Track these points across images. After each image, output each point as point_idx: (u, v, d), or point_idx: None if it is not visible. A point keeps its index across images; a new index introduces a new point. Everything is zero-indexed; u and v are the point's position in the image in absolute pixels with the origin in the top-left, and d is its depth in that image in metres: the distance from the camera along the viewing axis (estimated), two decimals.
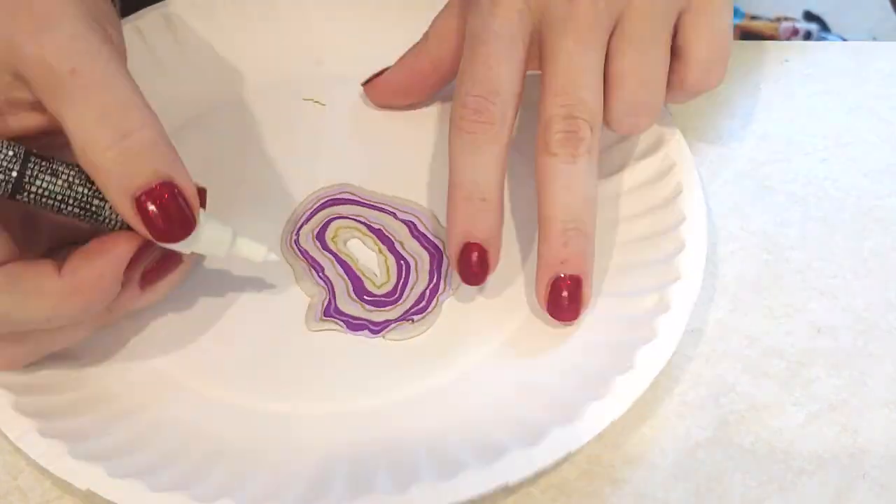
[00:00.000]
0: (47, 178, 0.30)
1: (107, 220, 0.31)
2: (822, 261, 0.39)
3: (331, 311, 0.37)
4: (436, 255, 0.39)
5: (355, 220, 0.40)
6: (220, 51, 0.45)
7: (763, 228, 0.40)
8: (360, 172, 0.41)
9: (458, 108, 0.35)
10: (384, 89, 0.43)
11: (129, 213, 0.30)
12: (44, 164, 0.30)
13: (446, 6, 0.40)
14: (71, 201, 0.30)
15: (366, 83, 0.43)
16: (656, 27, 0.35)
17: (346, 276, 0.38)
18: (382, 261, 0.38)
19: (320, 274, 0.38)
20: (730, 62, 0.39)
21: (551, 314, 0.35)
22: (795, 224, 0.41)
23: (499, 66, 0.35)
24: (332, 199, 0.40)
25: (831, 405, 0.35)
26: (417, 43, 0.41)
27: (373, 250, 0.39)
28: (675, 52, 0.37)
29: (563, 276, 0.34)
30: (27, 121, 0.31)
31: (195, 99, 0.43)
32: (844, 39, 0.79)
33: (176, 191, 0.30)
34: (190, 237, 0.31)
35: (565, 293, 0.34)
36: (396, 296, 0.37)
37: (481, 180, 0.34)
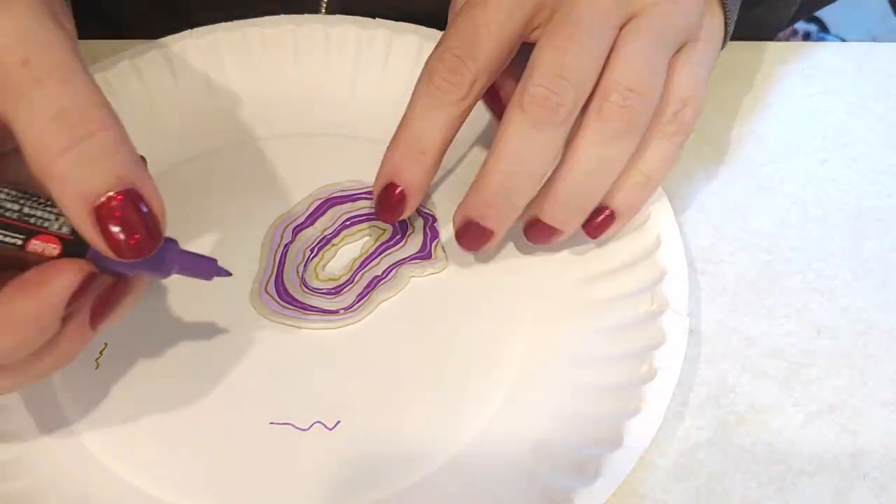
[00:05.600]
0: None
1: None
2: (822, 261, 0.39)
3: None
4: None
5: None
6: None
7: (763, 228, 0.40)
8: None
9: (434, 60, 0.34)
10: None
11: (86, 225, 0.25)
12: None
13: None
14: None
15: None
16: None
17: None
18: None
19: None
20: (730, 62, 0.39)
21: (458, 242, 0.36)
22: (795, 224, 0.41)
23: (488, 36, 0.33)
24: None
25: (831, 406, 0.35)
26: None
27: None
28: None
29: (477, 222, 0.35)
30: None
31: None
32: (844, 40, 0.79)
33: (141, 201, 0.26)
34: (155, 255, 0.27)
35: (472, 237, 0.35)
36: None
37: (428, 135, 0.34)
